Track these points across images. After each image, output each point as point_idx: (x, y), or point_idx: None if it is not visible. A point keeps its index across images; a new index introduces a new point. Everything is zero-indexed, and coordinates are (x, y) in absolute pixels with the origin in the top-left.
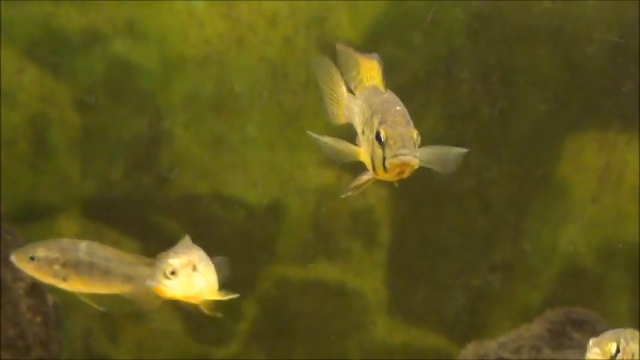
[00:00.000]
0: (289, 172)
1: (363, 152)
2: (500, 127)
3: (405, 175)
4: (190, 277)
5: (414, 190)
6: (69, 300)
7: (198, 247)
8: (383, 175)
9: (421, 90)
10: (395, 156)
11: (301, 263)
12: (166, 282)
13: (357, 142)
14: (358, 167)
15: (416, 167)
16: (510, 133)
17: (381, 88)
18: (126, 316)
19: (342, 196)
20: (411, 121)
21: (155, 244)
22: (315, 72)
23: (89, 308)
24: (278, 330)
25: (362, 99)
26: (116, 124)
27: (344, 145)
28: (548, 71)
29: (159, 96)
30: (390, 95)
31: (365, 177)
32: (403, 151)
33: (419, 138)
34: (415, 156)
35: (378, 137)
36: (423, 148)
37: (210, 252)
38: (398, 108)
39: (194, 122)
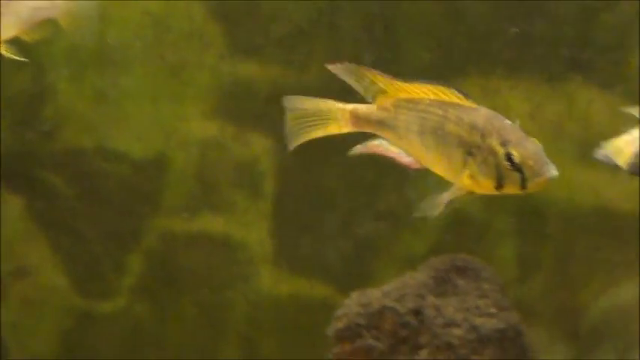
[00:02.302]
0: (173, 125)
1: (467, 177)
2: None
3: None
4: None
5: None
6: None
7: None
8: (510, 191)
9: (304, 40)
10: (540, 175)
11: (186, 216)
12: None
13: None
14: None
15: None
16: None
17: (468, 103)
18: (11, 272)
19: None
20: None
21: (40, 199)
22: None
23: None
24: (164, 283)
25: (427, 116)
26: None
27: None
28: (430, 19)
29: (42, 50)
30: (486, 110)
31: (458, 193)
32: (548, 167)
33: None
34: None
35: (510, 160)
36: None
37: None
38: (509, 123)
39: (77, 76)
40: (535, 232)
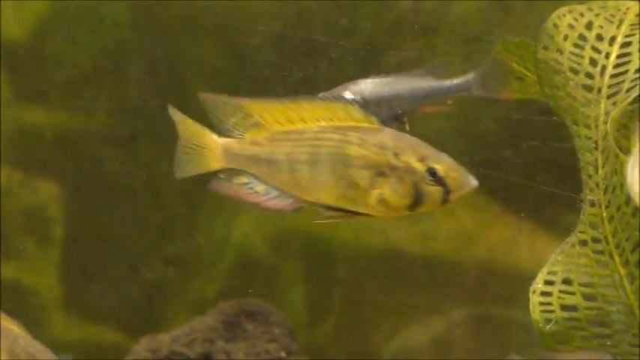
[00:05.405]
0: None
1: (374, 199)
2: (169, 122)
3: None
4: None
5: (86, 185)
6: None
7: None
8: (426, 209)
9: (89, 86)
10: (465, 186)
11: None
12: None
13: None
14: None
15: None
16: None
17: (373, 124)
18: None
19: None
20: None
21: None
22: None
23: None
24: None
25: (320, 142)
26: None
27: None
28: (215, 62)
29: None
30: (390, 130)
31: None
32: (470, 178)
33: None
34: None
35: (432, 174)
36: None
37: None
38: (417, 139)
39: None
40: (324, 276)
